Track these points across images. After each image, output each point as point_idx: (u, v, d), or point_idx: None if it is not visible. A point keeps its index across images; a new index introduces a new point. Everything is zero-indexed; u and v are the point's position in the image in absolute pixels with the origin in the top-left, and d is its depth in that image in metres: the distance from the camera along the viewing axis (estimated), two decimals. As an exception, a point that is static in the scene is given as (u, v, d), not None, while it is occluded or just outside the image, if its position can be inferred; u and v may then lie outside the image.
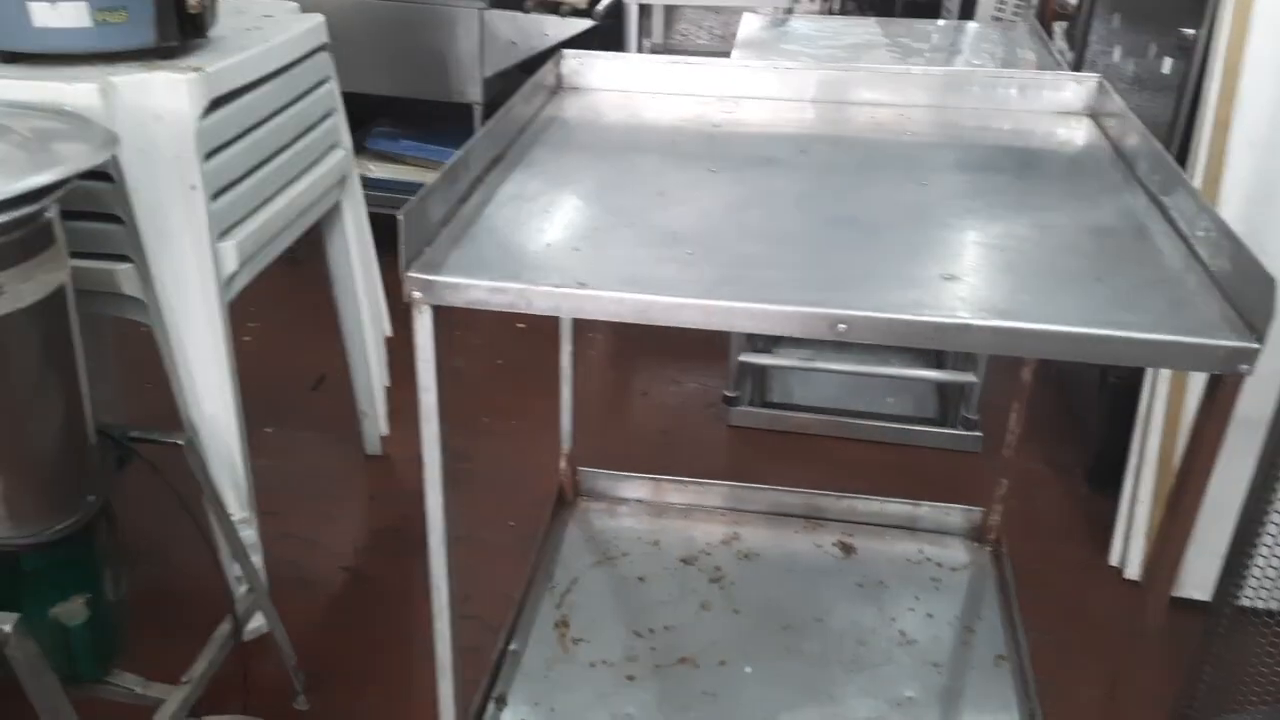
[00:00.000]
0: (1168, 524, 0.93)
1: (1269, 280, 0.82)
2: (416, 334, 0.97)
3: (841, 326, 0.89)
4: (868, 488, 1.92)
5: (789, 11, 2.85)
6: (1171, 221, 1.05)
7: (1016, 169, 1.24)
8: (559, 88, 1.50)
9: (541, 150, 1.27)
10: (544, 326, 2.86)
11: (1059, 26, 3.49)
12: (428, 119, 3.11)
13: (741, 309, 0.91)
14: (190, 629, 1.54)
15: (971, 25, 2.82)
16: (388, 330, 2.29)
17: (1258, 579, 1.57)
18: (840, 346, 2.77)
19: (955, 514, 1.81)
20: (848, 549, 1.77)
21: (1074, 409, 2.56)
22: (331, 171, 1.88)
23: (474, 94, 2.91)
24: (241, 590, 1.58)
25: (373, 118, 3.23)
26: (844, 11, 5.47)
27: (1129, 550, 2.06)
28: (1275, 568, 1.56)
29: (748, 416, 2.53)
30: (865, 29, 2.43)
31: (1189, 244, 1.00)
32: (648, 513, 1.84)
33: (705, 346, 2.82)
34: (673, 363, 2.78)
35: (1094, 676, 1.74)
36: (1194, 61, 1.91)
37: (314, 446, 2.40)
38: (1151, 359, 0.86)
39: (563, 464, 1.83)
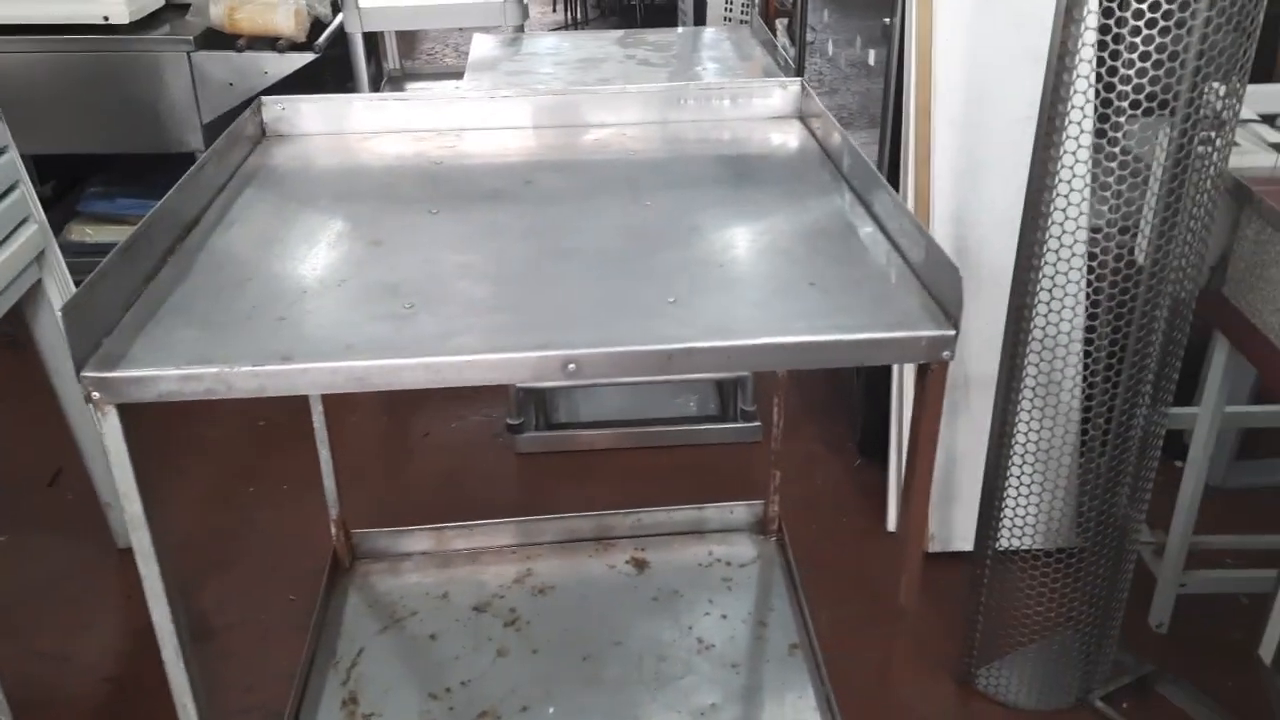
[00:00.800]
0: (905, 495, 0.96)
1: (955, 272, 0.86)
2: (106, 439, 0.87)
3: (571, 367, 0.87)
4: (659, 493, 1.93)
5: (520, 29, 2.83)
6: (875, 219, 1.10)
7: (734, 179, 1.27)
8: (263, 136, 1.40)
9: (243, 209, 1.18)
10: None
11: (780, 24, 3.66)
12: (149, 172, 2.88)
13: (466, 362, 0.87)
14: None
15: (704, 31, 2.90)
16: (125, 410, 2.10)
17: (1010, 521, 1.69)
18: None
19: (739, 510, 1.84)
20: (640, 564, 1.77)
21: (838, 387, 2.69)
22: (23, 249, 1.70)
23: (194, 142, 2.73)
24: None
25: (87, 177, 2.97)
26: (585, 20, 5.53)
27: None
28: (1024, 509, 1.68)
29: (534, 442, 2.49)
30: (599, 42, 2.44)
31: (891, 240, 1.05)
32: (434, 564, 1.77)
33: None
34: (454, 397, 2.71)
35: (885, 644, 1.82)
36: (894, 50, 2.03)
37: (57, 548, 2.17)
38: (864, 357, 0.89)
39: (333, 529, 1.72)
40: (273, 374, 0.85)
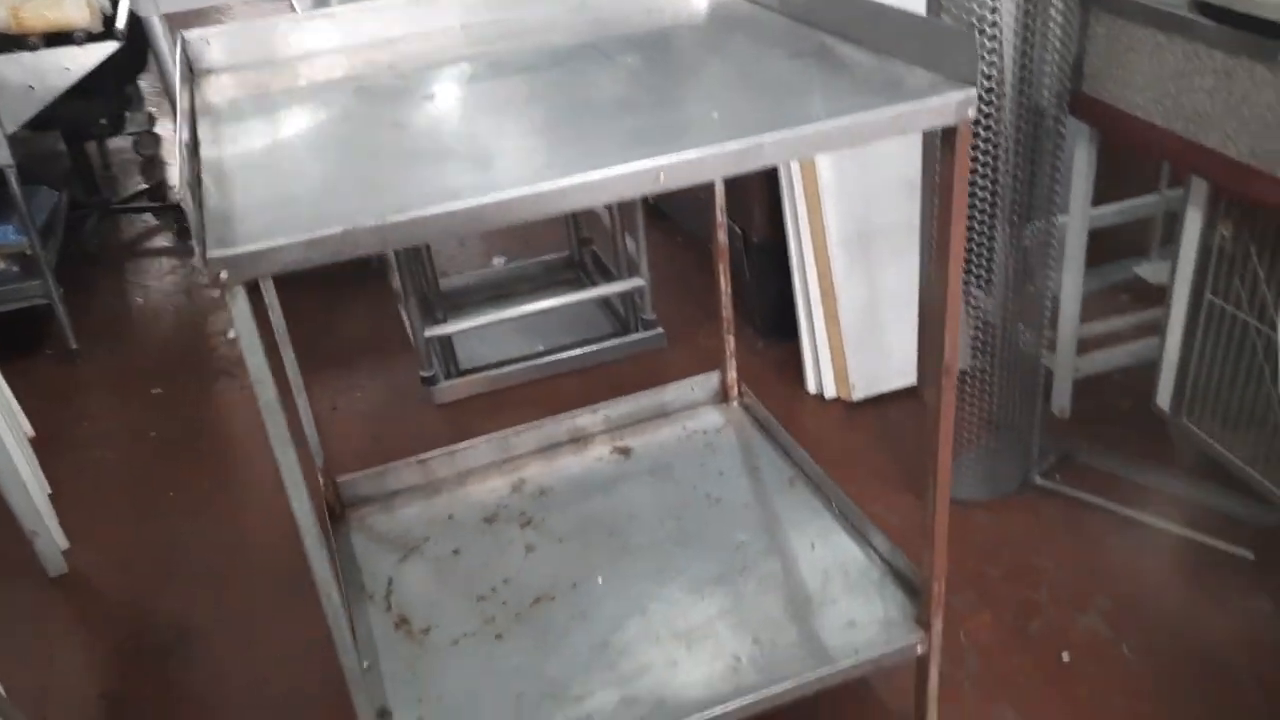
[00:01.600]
0: (940, 256, 1.09)
1: (968, 35, 0.99)
2: (237, 321, 0.86)
3: (662, 177, 0.94)
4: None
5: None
6: (844, 36, 1.22)
7: (693, 35, 1.36)
8: (191, 75, 1.36)
9: (232, 126, 1.15)
10: (181, 390, 2.60)
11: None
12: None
13: (580, 184, 0.92)
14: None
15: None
16: (28, 430, 1.95)
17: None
18: (508, 296, 2.81)
19: (698, 386, 1.94)
20: (624, 451, 1.84)
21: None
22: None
23: (1, 158, 2.51)
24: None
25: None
26: None
27: (822, 377, 2.35)
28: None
29: (451, 391, 2.49)
30: None
31: (866, 46, 1.17)
32: (424, 496, 1.77)
33: (364, 345, 2.72)
34: (344, 369, 2.65)
35: (844, 479, 1.97)
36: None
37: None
38: (905, 127, 1.00)
39: (320, 479, 1.69)
40: (396, 226, 0.87)
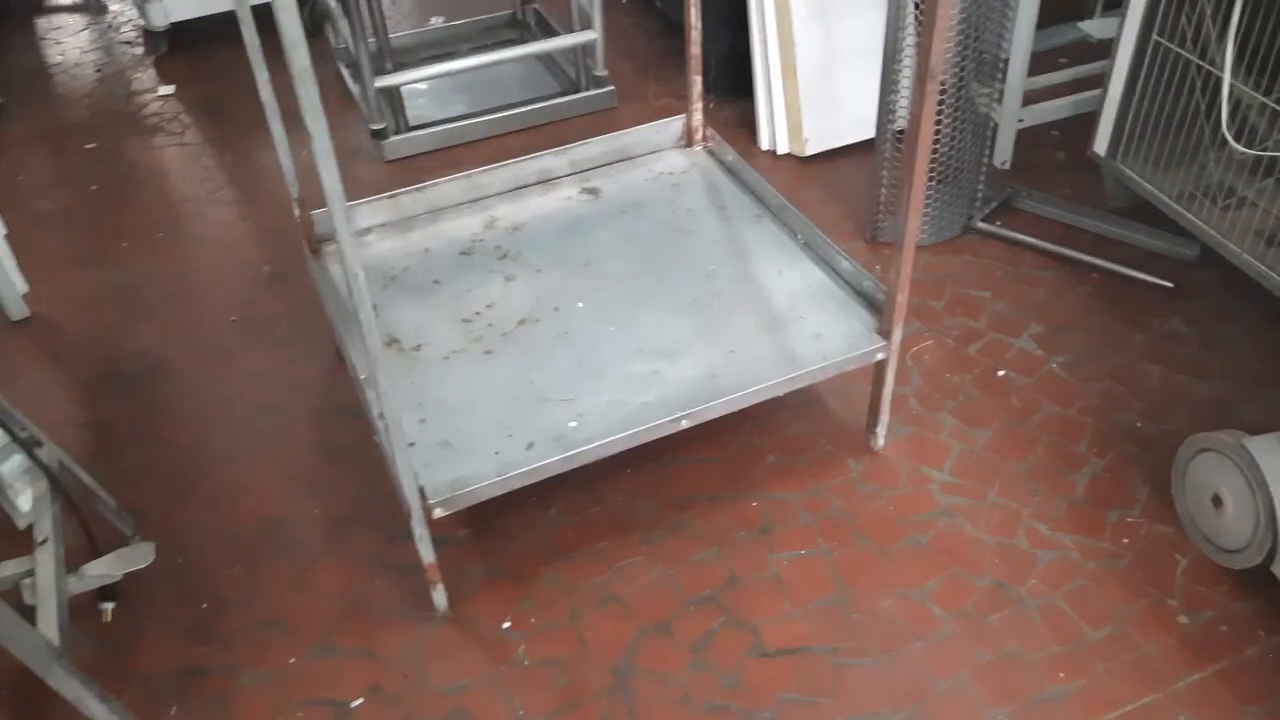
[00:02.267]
0: (925, 50, 1.13)
1: None
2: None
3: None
4: None
5: None
6: None
7: None
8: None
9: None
10: (116, 144, 2.50)
11: None
12: None
13: None
14: None
15: None
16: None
17: (901, 106, 1.95)
18: (452, 55, 2.73)
19: (662, 130, 1.97)
20: (593, 191, 1.88)
21: (668, 48, 2.81)
22: None
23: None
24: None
25: None
26: None
27: (776, 133, 2.39)
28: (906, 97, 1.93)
29: (402, 145, 2.46)
30: None
31: None
32: (398, 231, 1.79)
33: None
34: (289, 124, 2.58)
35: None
36: None
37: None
38: None
39: (295, 211, 1.69)
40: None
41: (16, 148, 2.54)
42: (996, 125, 2.23)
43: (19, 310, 1.96)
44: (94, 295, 2.05)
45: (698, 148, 1.98)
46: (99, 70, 2.88)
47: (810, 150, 2.37)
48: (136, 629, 1.44)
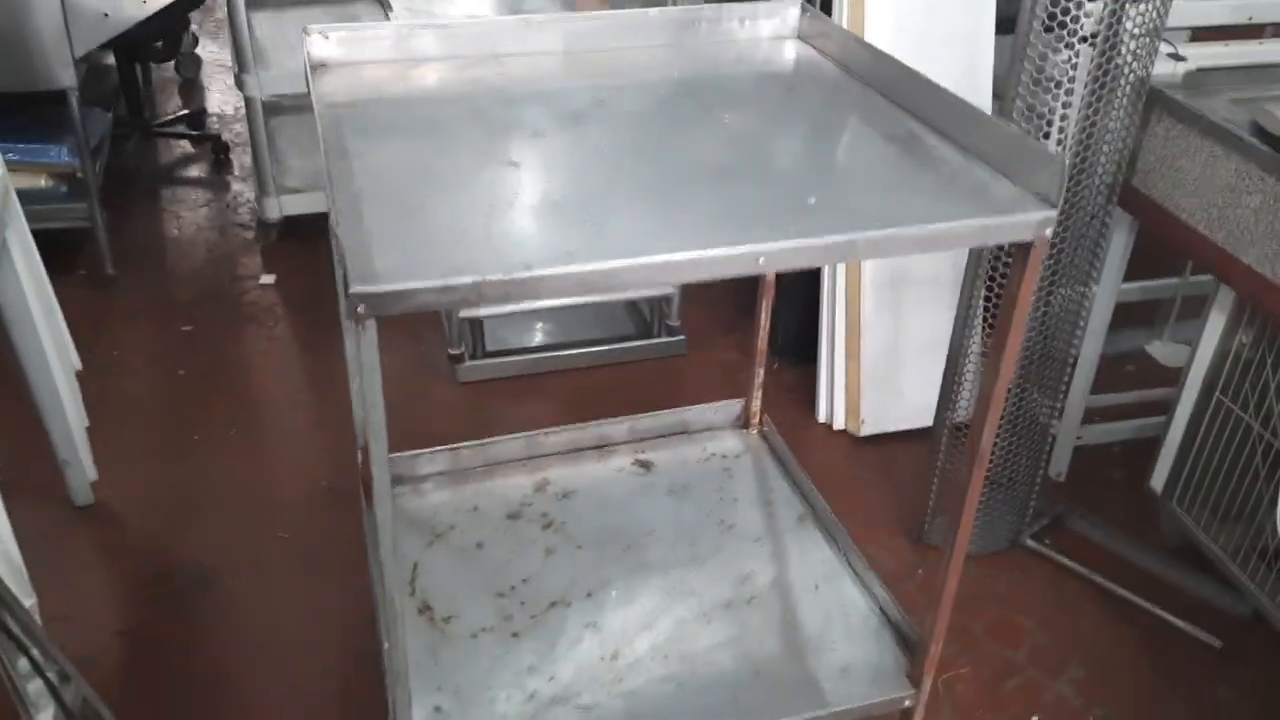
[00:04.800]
0: (993, 368, 1.17)
1: (1054, 159, 1.07)
2: (363, 351, 0.93)
3: (761, 260, 1.01)
4: (603, 408, 2.07)
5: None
6: (932, 126, 1.29)
7: (785, 94, 1.42)
8: (310, 69, 1.41)
9: (359, 141, 1.21)
10: (211, 329, 2.65)
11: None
12: (11, 113, 2.65)
13: (683, 260, 0.99)
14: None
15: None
16: (77, 364, 2.01)
17: (966, 398, 1.98)
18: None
19: (721, 410, 2.02)
20: (646, 465, 1.92)
21: (740, 305, 2.91)
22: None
23: (66, 79, 2.54)
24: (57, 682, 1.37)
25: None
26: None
27: (834, 408, 2.44)
28: (973, 389, 1.96)
29: (475, 371, 2.56)
30: None
31: (958, 143, 1.24)
32: (453, 482, 1.84)
33: (397, 319, 2.77)
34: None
35: (853, 516, 2.06)
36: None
37: (12, 512, 2.05)
38: (986, 238, 1.08)
39: (359, 456, 1.76)
40: (520, 282, 0.94)
41: (121, 321, 2.70)
42: (1055, 436, 2.24)
43: (85, 496, 2.04)
44: (157, 491, 2.12)
45: (753, 431, 2.02)
46: (210, 250, 3.08)
47: (866, 431, 2.41)
48: None
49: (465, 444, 1.87)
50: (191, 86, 4.25)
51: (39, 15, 2.44)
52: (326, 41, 1.41)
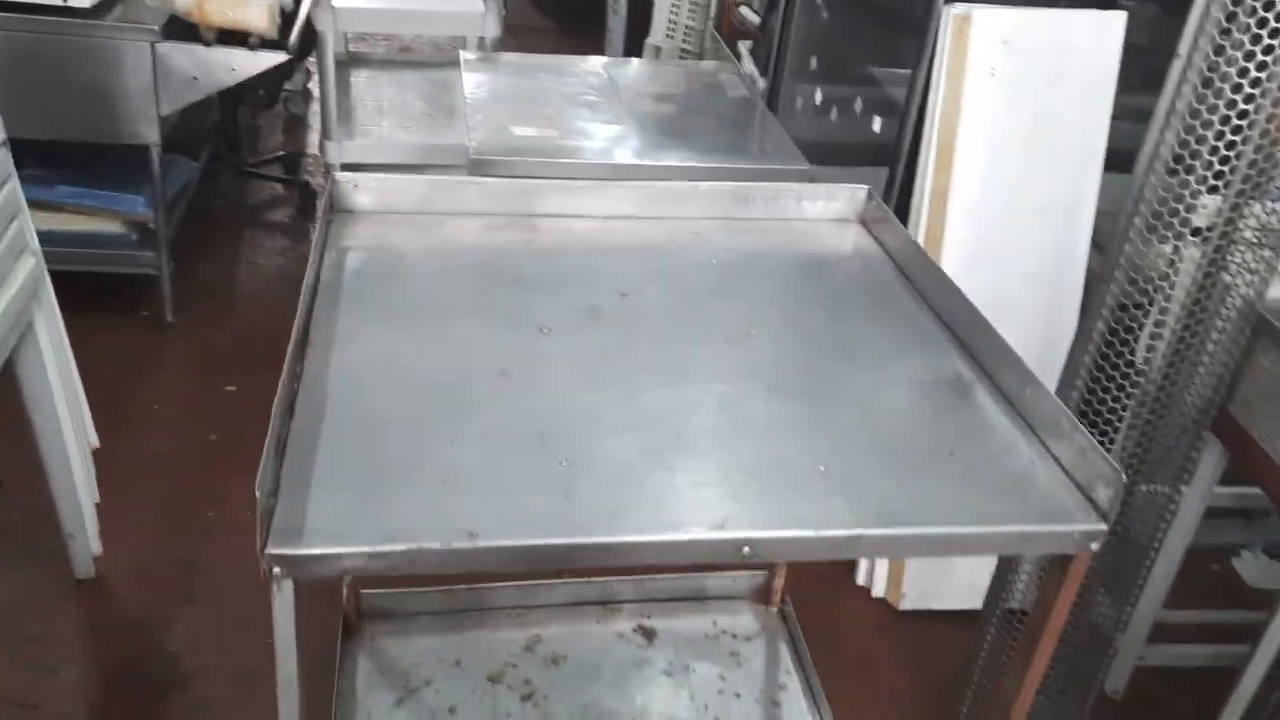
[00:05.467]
0: (1024, 685, 1.01)
1: (1117, 475, 0.91)
2: (277, 612, 0.83)
3: (746, 550, 0.88)
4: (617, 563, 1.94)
5: (498, 41, 2.76)
6: (983, 372, 1.14)
7: (826, 302, 1.29)
8: (331, 210, 1.34)
9: (347, 320, 1.12)
10: (254, 393, 2.62)
11: (744, 46, 3.66)
12: (84, 158, 2.69)
13: (657, 542, 0.87)
14: None
15: (689, 65, 2.86)
16: (94, 442, 1.98)
17: (1023, 583, 1.79)
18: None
19: (741, 580, 1.88)
20: (648, 633, 1.78)
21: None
22: (25, 284, 1.57)
23: (149, 135, 2.56)
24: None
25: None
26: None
27: (874, 573, 2.26)
28: (1029, 575, 1.77)
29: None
30: (584, 71, 2.34)
31: (1007, 398, 1.09)
32: (441, 628, 1.74)
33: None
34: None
35: (881, 700, 1.89)
36: (906, 126, 2.08)
37: (9, 579, 2.03)
38: (1016, 548, 0.93)
39: (345, 591, 1.67)
40: (461, 553, 0.83)
41: (166, 370, 2.70)
42: (1116, 650, 2.02)
43: (86, 569, 2.01)
44: (158, 573, 2.08)
45: (773, 609, 1.87)
46: (273, 306, 3.08)
47: (906, 605, 2.22)
48: None
49: (458, 587, 1.76)
50: (297, 123, 4.31)
51: (130, 73, 2.47)
52: (355, 190, 1.34)
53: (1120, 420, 1.63)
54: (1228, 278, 1.52)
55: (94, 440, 1.93)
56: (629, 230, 1.40)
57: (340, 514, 0.86)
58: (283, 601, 0.82)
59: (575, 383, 1.08)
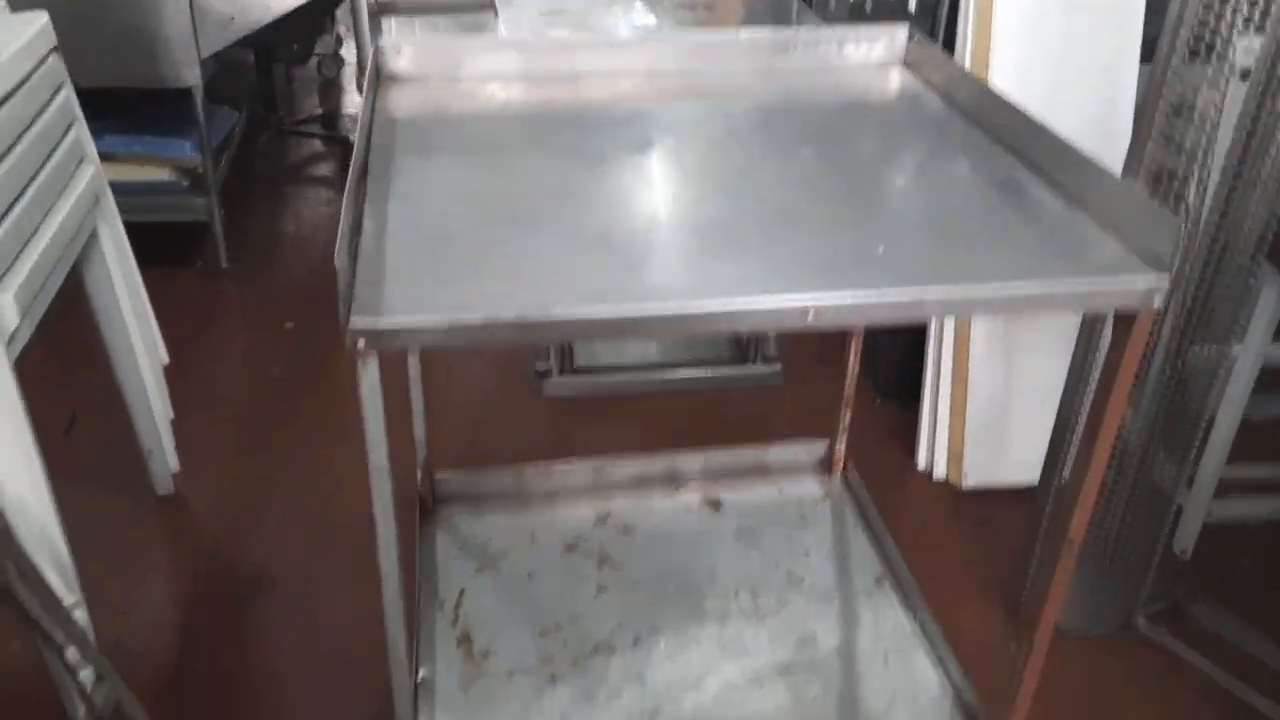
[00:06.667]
0: (1088, 445, 1.02)
1: (1174, 220, 0.92)
2: (364, 387, 0.87)
3: (810, 316, 0.90)
4: (690, 435, 1.96)
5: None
6: (1037, 171, 1.15)
7: (875, 128, 1.30)
8: (378, 79, 1.38)
9: (404, 159, 1.16)
10: (312, 329, 2.68)
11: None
12: (129, 109, 2.75)
13: (727, 310, 0.89)
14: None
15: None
16: (164, 357, 2.05)
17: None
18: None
19: (802, 451, 1.90)
20: (715, 504, 1.81)
21: (843, 336, 2.76)
22: (86, 191, 1.63)
23: (191, 78, 2.62)
24: (90, 684, 1.37)
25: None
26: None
27: (935, 455, 2.27)
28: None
29: (562, 387, 2.51)
30: None
31: (1060, 192, 1.10)
32: (513, 507, 1.78)
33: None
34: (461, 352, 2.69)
35: (937, 577, 1.90)
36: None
37: (91, 499, 2.10)
38: (1080, 305, 0.94)
39: (419, 473, 1.72)
40: (536, 324, 0.86)
41: (225, 315, 2.77)
42: (1181, 508, 2.02)
43: (165, 486, 2.08)
44: (234, 487, 2.15)
45: (836, 478, 1.89)
46: (323, 250, 3.14)
47: (968, 484, 2.23)
48: None
49: (529, 466, 1.80)
50: (332, 85, 4.37)
51: (168, 17, 2.52)
52: (398, 56, 1.37)
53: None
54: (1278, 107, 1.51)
55: (164, 356, 2.00)
56: (672, 83, 1.42)
57: (417, 297, 0.89)
58: (370, 377, 0.86)
59: (634, 195, 1.10)
